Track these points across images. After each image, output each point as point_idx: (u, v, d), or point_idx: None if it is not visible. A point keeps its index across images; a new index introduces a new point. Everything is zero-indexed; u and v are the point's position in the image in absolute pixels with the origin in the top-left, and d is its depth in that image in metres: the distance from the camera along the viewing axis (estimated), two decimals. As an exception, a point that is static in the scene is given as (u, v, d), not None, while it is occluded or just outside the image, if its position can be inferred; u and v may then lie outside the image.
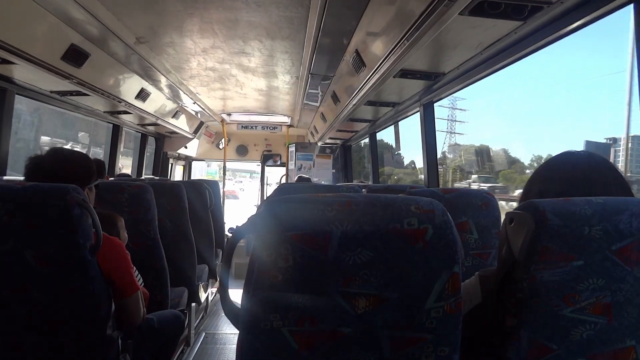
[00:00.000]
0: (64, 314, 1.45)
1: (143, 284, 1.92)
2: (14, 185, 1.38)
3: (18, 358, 1.47)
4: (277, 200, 0.86)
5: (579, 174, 0.99)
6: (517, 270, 0.87)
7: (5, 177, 2.43)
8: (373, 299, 0.85)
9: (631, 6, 1.37)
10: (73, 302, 1.44)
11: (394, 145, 4.57)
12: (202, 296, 3.33)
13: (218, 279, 3.76)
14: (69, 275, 1.41)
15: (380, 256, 0.83)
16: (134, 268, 1.79)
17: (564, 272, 0.84)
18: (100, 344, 1.51)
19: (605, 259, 0.84)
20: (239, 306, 0.91)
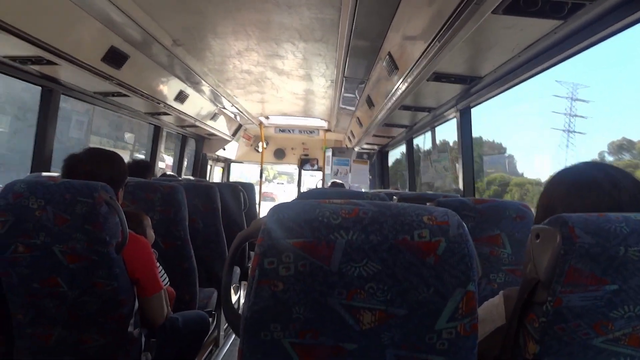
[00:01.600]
0: (89, 309, 1.49)
1: (168, 283, 1.94)
2: (46, 182, 1.44)
3: (44, 351, 1.52)
4: (280, 205, 0.82)
5: (600, 184, 0.91)
6: (541, 291, 0.79)
7: (44, 174, 2.55)
8: (379, 314, 0.79)
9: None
10: (98, 297, 1.48)
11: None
12: (233, 298, 3.36)
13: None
14: (94, 271, 1.45)
15: (387, 269, 0.78)
16: (160, 267, 1.81)
17: (595, 296, 0.75)
18: (123, 341, 1.54)
19: None
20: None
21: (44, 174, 2.54)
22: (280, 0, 2.16)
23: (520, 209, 1.72)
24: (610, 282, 0.74)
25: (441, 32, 1.64)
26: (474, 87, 2.50)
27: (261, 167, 6.94)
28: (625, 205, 0.87)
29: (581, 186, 0.94)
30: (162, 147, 4.83)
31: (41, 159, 2.78)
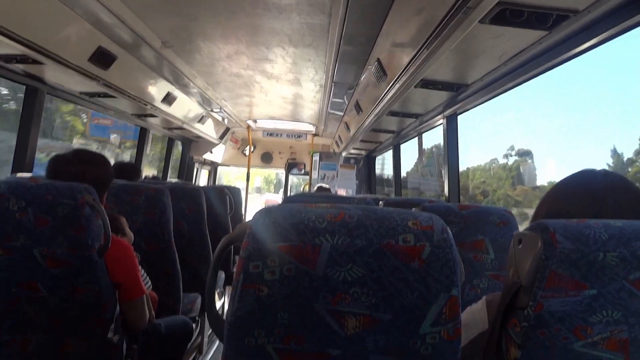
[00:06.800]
0: (69, 314, 1.45)
1: (151, 287, 1.91)
2: (27, 182, 1.40)
3: (23, 357, 1.48)
4: (266, 208, 0.82)
5: (590, 193, 0.91)
6: (522, 296, 0.80)
7: (18, 175, 2.49)
8: (364, 319, 0.80)
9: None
10: (79, 302, 1.44)
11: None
12: (218, 303, 3.32)
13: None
14: (76, 275, 1.41)
15: (372, 273, 0.78)
16: (142, 271, 1.78)
17: (575, 301, 0.76)
18: (104, 347, 1.50)
19: (622, 289, 0.75)
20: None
21: (19, 174, 2.49)
22: (271, 5, 2.16)
23: (504, 215, 1.74)
24: (590, 287, 0.76)
25: (429, 40, 1.66)
26: (461, 94, 2.53)
27: (248, 170, 6.91)
28: (611, 215, 0.87)
29: (569, 194, 0.94)
30: (147, 148, 4.77)
31: (23, 159, 2.72)
